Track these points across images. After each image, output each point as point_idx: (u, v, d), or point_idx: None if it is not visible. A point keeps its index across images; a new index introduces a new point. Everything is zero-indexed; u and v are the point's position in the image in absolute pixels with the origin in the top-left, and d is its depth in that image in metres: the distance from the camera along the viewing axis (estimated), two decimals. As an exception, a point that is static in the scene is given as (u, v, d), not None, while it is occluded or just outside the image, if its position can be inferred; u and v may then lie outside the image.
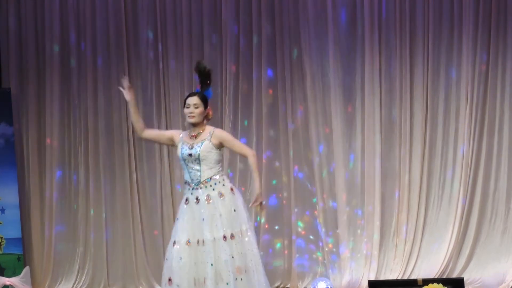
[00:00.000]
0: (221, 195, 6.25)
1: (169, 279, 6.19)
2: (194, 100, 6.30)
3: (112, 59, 9.11)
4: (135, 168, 9.06)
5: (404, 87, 8.83)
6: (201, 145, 6.25)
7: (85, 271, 9.08)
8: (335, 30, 8.91)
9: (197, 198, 6.24)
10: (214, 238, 6.15)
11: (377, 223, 8.78)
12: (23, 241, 8.97)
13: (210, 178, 6.25)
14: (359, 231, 8.85)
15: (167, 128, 8.96)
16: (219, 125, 8.96)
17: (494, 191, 8.75)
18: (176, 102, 9.03)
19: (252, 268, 6.21)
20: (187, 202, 6.27)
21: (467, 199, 8.71)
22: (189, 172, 6.28)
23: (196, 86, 6.47)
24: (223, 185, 6.29)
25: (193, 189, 6.26)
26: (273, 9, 8.95)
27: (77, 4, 9.14)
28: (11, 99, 8.97)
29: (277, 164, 8.98)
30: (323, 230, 8.84)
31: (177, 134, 6.42)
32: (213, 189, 6.25)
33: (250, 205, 6.27)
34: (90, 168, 9.08)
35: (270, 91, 8.99)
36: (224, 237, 6.17)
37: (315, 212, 8.88)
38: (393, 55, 8.86)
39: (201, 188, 6.24)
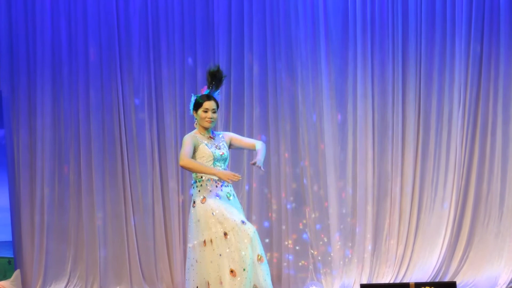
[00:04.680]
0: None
1: (231, 271, 6.13)
2: (213, 105, 6.39)
3: (103, 62, 9.08)
4: (128, 170, 9.02)
5: (396, 89, 8.80)
6: (225, 146, 6.44)
7: (77, 274, 9.05)
8: (327, 32, 8.88)
9: (228, 194, 6.37)
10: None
11: (369, 226, 8.75)
12: (14, 244, 8.95)
13: None
14: (351, 235, 8.81)
15: (158, 132, 9.02)
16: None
17: (487, 194, 8.69)
18: (167, 105, 9.00)
19: None
20: (218, 198, 6.33)
21: (460, 202, 8.66)
22: None
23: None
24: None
25: (221, 186, 6.35)
26: (264, 12, 8.91)
27: (68, 7, 9.10)
28: (2, 102, 8.96)
29: (267, 167, 8.94)
30: (315, 234, 8.80)
31: (193, 138, 6.36)
32: (231, 188, 6.45)
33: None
34: (82, 170, 9.04)
35: (262, 94, 8.96)
36: None
37: (307, 215, 8.84)
38: (385, 58, 8.82)
39: (227, 186, 6.39)
